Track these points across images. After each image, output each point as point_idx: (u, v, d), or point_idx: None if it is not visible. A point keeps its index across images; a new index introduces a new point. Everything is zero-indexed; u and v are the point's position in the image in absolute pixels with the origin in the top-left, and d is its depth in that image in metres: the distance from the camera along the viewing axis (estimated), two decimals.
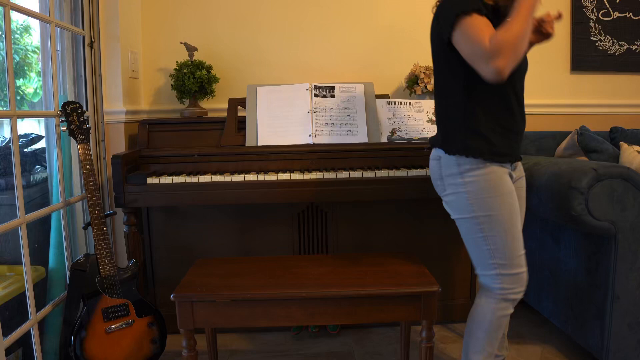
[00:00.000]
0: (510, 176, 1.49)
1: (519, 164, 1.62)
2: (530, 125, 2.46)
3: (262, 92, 2.26)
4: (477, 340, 1.53)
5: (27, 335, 1.66)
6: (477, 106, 1.41)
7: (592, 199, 1.67)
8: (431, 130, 2.25)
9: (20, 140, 1.98)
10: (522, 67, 1.46)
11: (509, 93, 1.43)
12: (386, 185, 1.98)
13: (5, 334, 1.52)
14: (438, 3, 1.46)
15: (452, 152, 1.44)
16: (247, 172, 2.06)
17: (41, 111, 2.01)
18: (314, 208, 2.25)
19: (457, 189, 1.45)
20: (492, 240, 1.45)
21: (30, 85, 2.16)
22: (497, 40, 1.23)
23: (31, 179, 1.99)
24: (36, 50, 2.07)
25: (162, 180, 1.96)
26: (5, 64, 1.57)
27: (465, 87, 1.41)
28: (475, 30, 1.27)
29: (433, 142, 1.56)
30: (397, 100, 2.30)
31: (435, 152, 1.53)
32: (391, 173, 1.98)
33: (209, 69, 2.39)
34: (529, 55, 1.53)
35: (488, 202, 1.42)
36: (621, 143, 2.27)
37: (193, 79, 2.32)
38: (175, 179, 1.96)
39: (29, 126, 2.13)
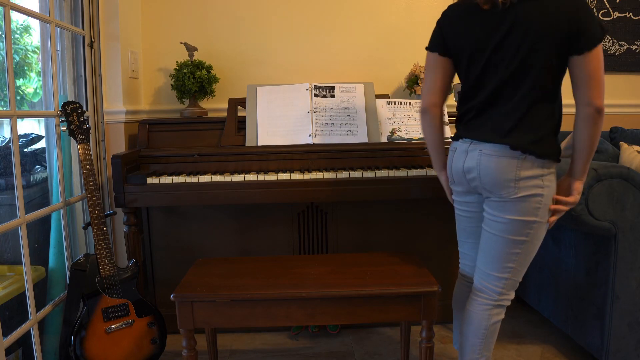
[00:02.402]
0: None
1: None
2: None
3: (262, 92, 2.26)
4: (473, 346, 1.53)
5: (27, 335, 1.66)
6: (559, 110, 1.46)
7: (592, 199, 1.67)
8: None
9: (20, 140, 1.98)
10: None
11: None
12: (386, 185, 1.98)
13: (5, 334, 1.52)
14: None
15: (544, 156, 1.38)
16: (247, 172, 2.06)
17: (41, 111, 2.01)
18: (314, 208, 2.25)
19: (533, 190, 1.39)
20: (527, 246, 1.44)
21: (30, 85, 2.16)
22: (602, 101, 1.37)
23: (31, 179, 1.99)
24: (36, 50, 2.07)
25: (162, 180, 1.96)
26: (5, 64, 1.57)
27: (558, 91, 1.43)
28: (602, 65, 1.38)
29: (514, 141, 1.38)
30: (397, 100, 2.30)
31: (511, 152, 1.38)
32: (391, 173, 1.98)
33: (209, 69, 2.39)
34: None
35: (548, 209, 1.43)
36: (621, 143, 2.26)
37: (193, 79, 2.32)
38: (175, 179, 1.96)
39: (29, 126, 2.13)
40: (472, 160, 1.46)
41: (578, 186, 1.47)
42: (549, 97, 1.40)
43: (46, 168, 2.03)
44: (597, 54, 1.34)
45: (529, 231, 1.42)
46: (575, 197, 1.47)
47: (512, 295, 1.52)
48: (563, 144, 2.38)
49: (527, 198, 1.39)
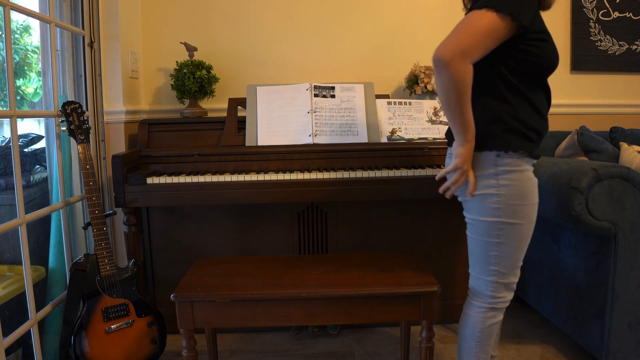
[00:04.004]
0: None
1: None
2: None
3: (262, 92, 2.26)
4: (469, 349, 1.52)
5: (27, 335, 1.66)
6: (522, 99, 1.35)
7: (592, 199, 1.67)
8: (431, 130, 2.25)
9: (20, 140, 1.98)
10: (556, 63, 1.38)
11: (544, 88, 1.39)
12: (386, 185, 1.98)
13: (5, 334, 1.52)
14: None
15: (489, 148, 1.34)
16: (247, 172, 2.06)
17: (41, 111, 2.01)
18: (314, 208, 2.25)
19: (486, 190, 1.36)
20: (503, 248, 1.40)
21: (30, 85, 2.16)
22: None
23: (31, 179, 1.99)
24: (36, 50, 2.07)
25: (162, 180, 1.96)
26: (5, 64, 1.57)
27: (506, 78, 1.33)
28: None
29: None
30: (397, 100, 2.30)
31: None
32: (391, 173, 1.98)
33: (209, 69, 2.39)
34: None
35: (517, 209, 1.36)
36: (621, 143, 2.27)
37: (193, 79, 2.32)
38: (175, 179, 1.96)
39: (29, 126, 2.13)
40: (448, 162, 1.51)
41: (454, 151, 1.37)
42: (482, 90, 1.34)
43: (46, 168, 2.03)
44: (479, 13, 1.22)
45: (498, 232, 1.39)
46: (453, 164, 1.37)
47: (507, 297, 1.49)
48: (562, 145, 2.38)
49: (482, 198, 1.37)
